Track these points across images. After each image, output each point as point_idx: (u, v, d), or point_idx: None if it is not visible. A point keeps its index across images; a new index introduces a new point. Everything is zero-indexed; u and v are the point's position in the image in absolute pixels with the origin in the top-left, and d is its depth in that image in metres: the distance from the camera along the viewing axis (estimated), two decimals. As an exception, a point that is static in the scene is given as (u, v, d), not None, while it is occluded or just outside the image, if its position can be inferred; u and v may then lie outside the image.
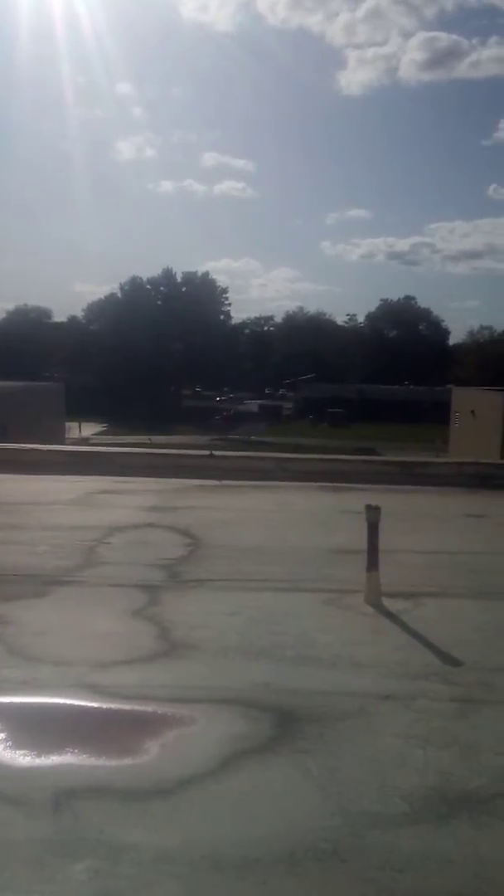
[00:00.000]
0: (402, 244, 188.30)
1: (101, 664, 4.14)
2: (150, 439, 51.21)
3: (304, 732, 3.39)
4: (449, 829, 2.74)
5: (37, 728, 3.45)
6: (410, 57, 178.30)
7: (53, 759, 3.16)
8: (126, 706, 3.66)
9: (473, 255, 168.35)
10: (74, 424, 55.21)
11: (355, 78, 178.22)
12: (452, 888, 2.43)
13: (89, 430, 61.17)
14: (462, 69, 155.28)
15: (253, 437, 62.55)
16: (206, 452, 12.11)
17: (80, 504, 8.86)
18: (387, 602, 5.28)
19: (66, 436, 48.57)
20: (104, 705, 3.65)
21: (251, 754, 3.19)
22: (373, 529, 5.37)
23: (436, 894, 2.41)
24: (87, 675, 3.97)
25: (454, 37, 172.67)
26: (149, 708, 3.63)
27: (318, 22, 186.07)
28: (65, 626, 4.81)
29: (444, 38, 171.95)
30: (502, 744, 3.36)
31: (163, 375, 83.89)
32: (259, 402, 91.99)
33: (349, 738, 3.37)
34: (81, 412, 58.59)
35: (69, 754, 3.19)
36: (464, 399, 43.48)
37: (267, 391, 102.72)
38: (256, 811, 2.82)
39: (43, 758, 3.16)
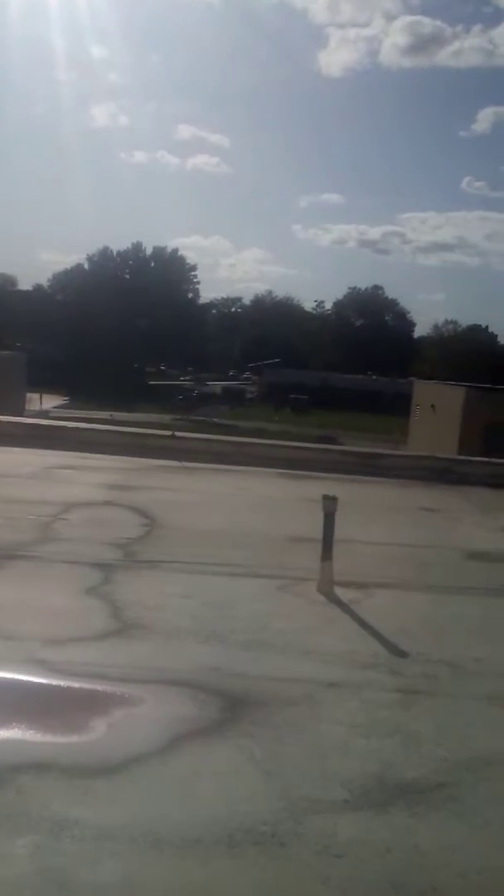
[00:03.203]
0: (374, 232, 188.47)
1: (53, 640, 4.13)
2: (111, 415, 50.76)
3: (251, 717, 3.44)
4: (387, 818, 2.81)
5: (-17, 703, 3.43)
6: (392, 40, 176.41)
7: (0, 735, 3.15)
8: (75, 684, 3.66)
9: (444, 247, 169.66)
10: (35, 396, 54.35)
11: (336, 58, 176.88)
12: (389, 875, 2.50)
13: (51, 402, 60.35)
14: (444, 57, 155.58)
15: (215, 419, 62.48)
16: (169, 433, 12.07)
17: (38, 478, 8.77)
18: (339, 591, 5.36)
19: (27, 407, 47.83)
20: (53, 682, 3.65)
21: (197, 736, 3.23)
22: (329, 519, 5.43)
23: (372, 881, 2.48)
24: (38, 651, 3.96)
25: (438, 23, 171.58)
26: (98, 686, 3.64)
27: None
28: (17, 601, 4.79)
29: (428, 24, 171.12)
30: (443, 735, 3.45)
31: (127, 351, 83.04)
32: (223, 383, 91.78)
33: (294, 724, 3.43)
34: (44, 383, 57.75)
35: (15, 730, 3.20)
36: (425, 392, 43.96)
37: (231, 373, 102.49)
38: (199, 793, 2.86)
39: (-12, 733, 3.16)
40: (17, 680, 3.64)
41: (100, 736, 3.20)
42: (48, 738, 3.17)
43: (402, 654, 4.39)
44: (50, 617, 4.50)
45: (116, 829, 2.58)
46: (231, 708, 3.50)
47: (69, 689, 3.60)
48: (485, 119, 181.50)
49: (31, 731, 3.19)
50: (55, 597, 4.86)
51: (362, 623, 4.84)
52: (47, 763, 2.95)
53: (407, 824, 2.79)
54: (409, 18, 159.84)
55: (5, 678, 3.66)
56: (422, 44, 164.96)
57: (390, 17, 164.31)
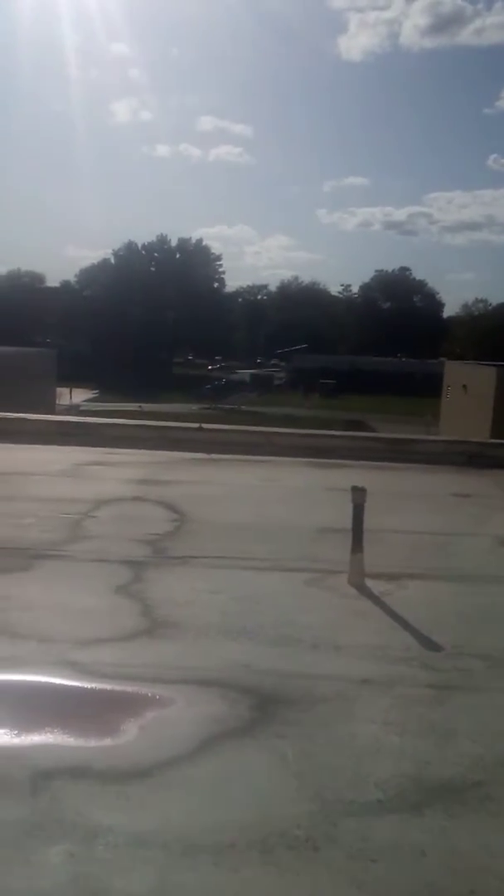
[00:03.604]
0: (400, 214, 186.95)
1: (84, 641, 4.15)
2: (140, 406, 51.08)
3: (282, 716, 3.42)
4: (422, 819, 2.77)
5: (17, 707, 3.46)
6: (413, 22, 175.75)
7: (33, 739, 3.18)
8: (106, 685, 3.67)
9: (471, 226, 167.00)
10: (65, 390, 54.89)
11: (356, 42, 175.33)
12: (424, 879, 2.47)
13: (80, 396, 60.89)
14: (465, 36, 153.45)
15: (244, 407, 62.50)
16: (196, 425, 12.06)
17: (68, 475, 8.83)
18: (370, 583, 5.31)
19: (57, 402, 48.33)
20: (85, 684, 3.66)
21: (229, 737, 3.22)
22: (358, 511, 5.37)
23: (408, 886, 2.44)
24: (70, 653, 3.98)
25: (458, 2, 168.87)
26: (129, 687, 3.65)
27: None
28: (48, 601, 4.81)
29: (448, 3, 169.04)
30: (478, 732, 3.39)
31: (155, 342, 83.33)
32: (251, 371, 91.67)
33: (327, 722, 3.40)
34: (73, 378, 58.26)
35: (48, 734, 3.21)
36: (456, 373, 43.42)
37: (259, 360, 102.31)
38: (232, 796, 2.85)
39: (22, 737, 3.18)
40: (50, 683, 3.65)
41: (132, 739, 3.20)
42: (81, 742, 3.18)
43: (435, 647, 4.33)
44: (80, 617, 4.52)
45: (149, 836, 2.58)
46: (262, 707, 3.48)
47: (100, 691, 3.61)
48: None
49: (65, 736, 3.20)
50: (85, 596, 4.88)
51: (394, 616, 4.78)
52: (80, 768, 2.96)
53: (443, 826, 2.75)
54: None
55: (38, 682, 3.68)
56: (442, 24, 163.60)
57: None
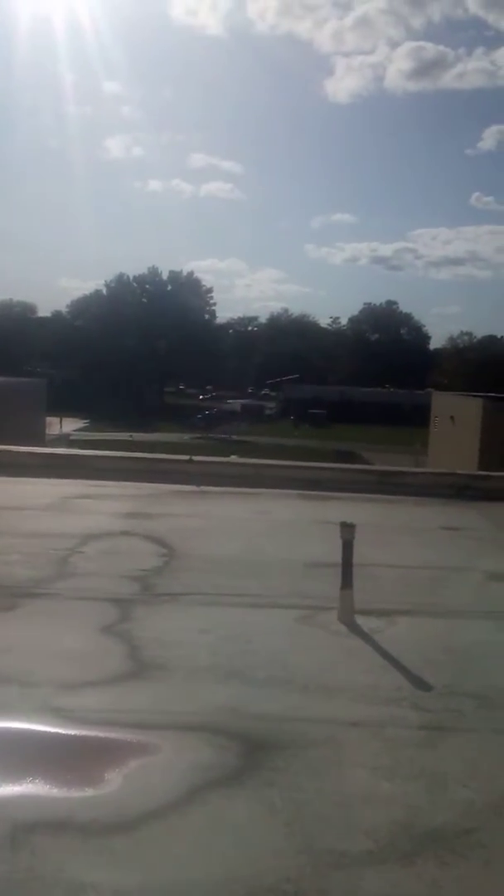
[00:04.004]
0: (386, 249, 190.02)
1: (69, 685, 4.07)
2: (131, 436, 51.02)
3: (271, 762, 3.35)
4: (414, 869, 2.71)
5: (-1, 754, 3.38)
6: (397, 66, 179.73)
7: (13, 790, 3.09)
8: (91, 732, 3.59)
9: (455, 261, 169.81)
10: (55, 420, 54.77)
11: (343, 85, 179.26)
12: (414, 935, 2.40)
13: (70, 425, 60.77)
14: (448, 79, 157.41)
15: (235, 437, 62.53)
16: (186, 457, 12.03)
17: (56, 509, 8.76)
18: (360, 620, 5.26)
19: (47, 431, 48.21)
20: (69, 731, 3.58)
21: (216, 786, 3.15)
22: (347, 547, 5.34)
23: (397, 943, 2.38)
24: (53, 698, 3.90)
25: (441, 47, 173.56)
26: (114, 734, 3.57)
27: (307, 29, 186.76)
28: (32, 642, 4.73)
29: (431, 49, 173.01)
30: (470, 776, 3.34)
31: (146, 372, 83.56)
32: (242, 401, 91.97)
33: (316, 768, 3.33)
34: (63, 407, 58.20)
35: (29, 784, 3.13)
36: (443, 404, 43.69)
37: (250, 391, 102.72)
38: (219, 848, 2.78)
39: (2, 788, 3.09)
40: (33, 730, 3.57)
41: (116, 788, 3.12)
42: (63, 792, 3.10)
43: (425, 686, 4.27)
44: (65, 659, 4.44)
45: (134, 892, 2.51)
46: (251, 753, 3.41)
47: (85, 738, 3.53)
48: (490, 137, 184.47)
49: (47, 786, 3.11)
50: (71, 637, 4.80)
51: (384, 654, 4.73)
52: (63, 821, 2.88)
53: (434, 876, 2.69)
54: (412, 44, 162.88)
55: (20, 729, 3.60)
56: (425, 68, 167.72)
57: (394, 44, 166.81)
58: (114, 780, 3.17)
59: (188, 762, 3.32)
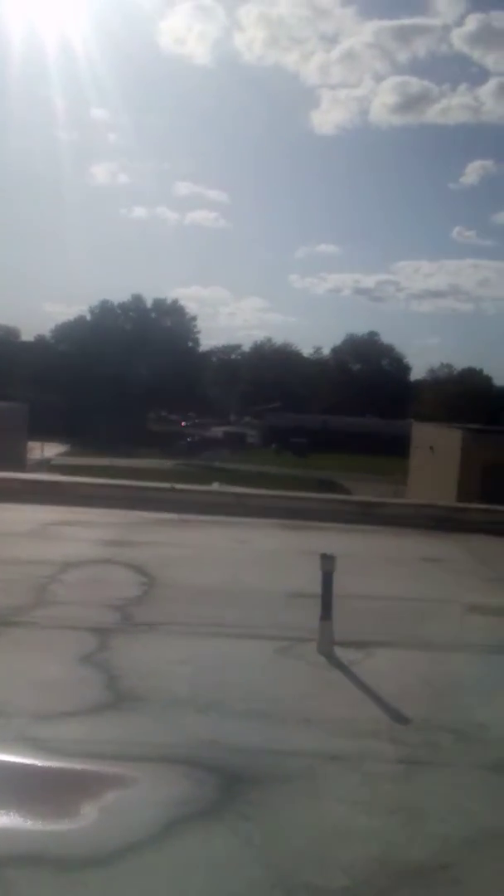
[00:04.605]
0: (369, 280, 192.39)
1: (45, 716, 4.03)
2: (111, 462, 50.81)
3: (249, 796, 3.33)
4: (389, 906, 2.70)
5: (-27, 786, 3.34)
6: (382, 100, 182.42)
7: (-12, 823, 3.05)
8: (67, 764, 3.55)
9: (437, 294, 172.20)
10: (37, 445, 54.45)
11: (328, 118, 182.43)
12: None
13: (52, 450, 60.43)
14: (432, 114, 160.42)
15: (217, 464, 62.52)
16: (168, 485, 12.05)
17: (36, 536, 8.71)
18: (339, 652, 5.26)
19: (28, 456, 47.91)
20: (44, 762, 3.55)
21: (193, 820, 3.12)
22: (327, 578, 5.36)
23: None
24: (29, 728, 3.86)
25: (425, 82, 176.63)
26: (90, 766, 3.54)
27: (293, 61, 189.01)
28: (9, 672, 4.70)
29: (416, 84, 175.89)
30: (446, 810, 3.34)
31: (129, 399, 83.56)
32: (224, 428, 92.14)
33: (294, 802, 3.32)
34: (45, 432, 57.89)
35: (4, 817, 3.09)
36: (423, 434, 43.99)
37: (232, 418, 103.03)
38: (195, 884, 2.76)
39: (-23, 821, 3.06)
40: (7, 761, 3.53)
41: (92, 822, 3.09)
42: (38, 826, 3.06)
43: (403, 720, 4.28)
44: (42, 689, 4.40)
45: (107, 928, 2.48)
46: (229, 786, 3.40)
47: (61, 770, 3.50)
48: (473, 172, 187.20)
49: (20, 819, 3.08)
50: (48, 666, 4.77)
51: (363, 687, 4.73)
52: (37, 855, 2.84)
53: (411, 913, 2.68)
54: (397, 79, 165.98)
55: (-4, 759, 3.56)
56: (410, 102, 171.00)
57: (379, 78, 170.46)
58: (89, 814, 3.14)
59: (165, 795, 3.30)
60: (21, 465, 39.18)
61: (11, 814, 3.11)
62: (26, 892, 2.63)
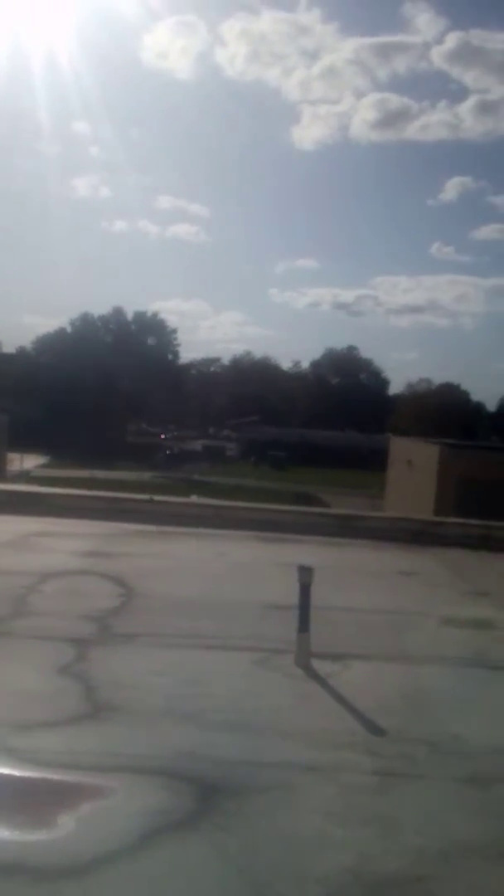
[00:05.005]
0: (348, 295, 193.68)
1: (23, 726, 4.02)
2: (91, 473, 50.56)
3: (225, 807, 3.35)
4: (364, 915, 2.73)
5: None
6: (362, 116, 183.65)
7: (-36, 833, 3.05)
8: (44, 774, 3.55)
9: (415, 309, 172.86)
10: (16, 456, 54.02)
11: (309, 133, 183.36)
12: None
13: (31, 462, 59.98)
14: (411, 131, 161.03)
15: (196, 476, 62.42)
16: (146, 497, 12.04)
17: (15, 547, 8.67)
18: (316, 664, 5.30)
19: (7, 468, 47.54)
20: (22, 773, 3.54)
21: (170, 830, 3.14)
22: (304, 590, 5.40)
23: None
24: (7, 738, 3.85)
25: (405, 99, 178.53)
26: (67, 777, 3.54)
27: (275, 76, 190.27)
28: (-13, 682, 4.68)
29: (396, 101, 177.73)
30: (421, 822, 3.38)
31: (109, 411, 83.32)
32: (203, 441, 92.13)
33: (271, 813, 3.34)
34: (25, 444, 57.44)
35: (-19, 827, 3.09)
36: (401, 448, 44.26)
37: (211, 431, 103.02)
38: (171, 893, 2.77)
39: (-47, 832, 3.05)
40: (-15, 772, 3.52)
41: (69, 832, 3.09)
42: (15, 835, 3.06)
43: (379, 731, 4.32)
44: (20, 699, 4.39)
45: (84, 938, 2.48)
46: (205, 798, 3.41)
47: (38, 780, 3.50)
48: (452, 188, 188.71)
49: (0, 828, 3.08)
50: (26, 677, 4.76)
51: (339, 699, 4.77)
52: (13, 864, 2.84)
53: (385, 923, 2.71)
54: (377, 95, 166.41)
55: (-28, 770, 3.54)
56: (390, 119, 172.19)
57: (360, 95, 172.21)
58: (67, 824, 3.14)
59: (143, 806, 3.31)
60: (1, 476, 38.88)
61: (-12, 824, 3.10)
62: (3, 902, 2.63)
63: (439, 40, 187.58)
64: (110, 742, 3.94)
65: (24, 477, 48.01)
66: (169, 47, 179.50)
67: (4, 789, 3.43)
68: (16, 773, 3.53)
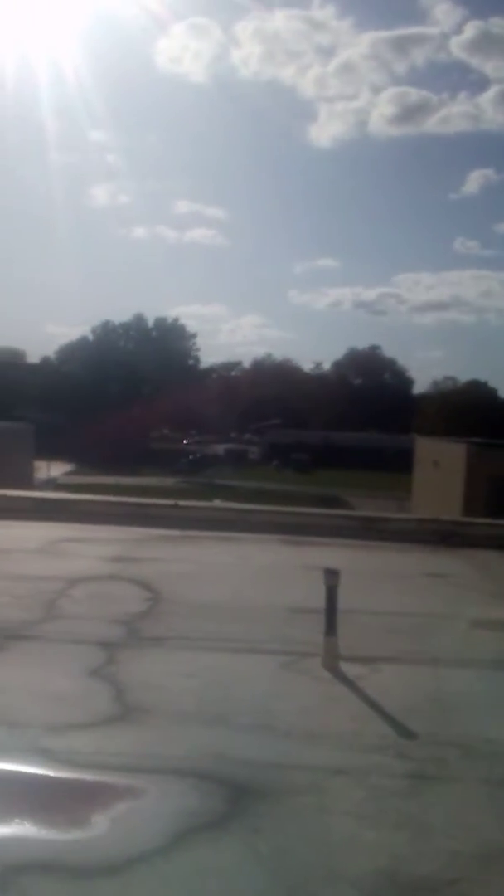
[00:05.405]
0: (369, 294, 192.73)
1: (56, 727, 4.08)
2: (116, 480, 50.94)
3: (256, 809, 3.37)
4: (397, 918, 2.73)
5: (-15, 797, 3.38)
6: (380, 111, 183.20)
7: (2, 832, 3.10)
8: (78, 775, 3.60)
9: (439, 306, 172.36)
10: (43, 464, 54.58)
11: (326, 130, 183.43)
12: None
13: (57, 469, 60.57)
14: (431, 124, 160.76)
15: (218, 481, 62.55)
16: (171, 502, 12.10)
17: (44, 553, 8.77)
18: (344, 667, 5.29)
19: (35, 476, 48.03)
20: (56, 773, 3.59)
21: (202, 831, 3.16)
22: (331, 593, 5.40)
23: None
24: (41, 740, 3.91)
25: (424, 92, 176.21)
26: (100, 777, 3.58)
27: (290, 75, 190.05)
28: (20, 684, 4.74)
29: (414, 94, 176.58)
30: (454, 825, 3.37)
31: (131, 417, 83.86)
32: (225, 445, 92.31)
33: (301, 816, 3.35)
34: (51, 452, 58.01)
35: (18, 826, 3.14)
36: (427, 449, 43.95)
37: (233, 435, 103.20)
38: (204, 893, 2.80)
39: (-9, 830, 3.10)
40: (20, 772, 3.58)
41: (103, 832, 3.14)
42: (51, 834, 3.11)
43: (410, 735, 4.31)
44: (52, 701, 4.45)
45: (120, 937, 2.52)
46: (236, 799, 3.43)
47: (72, 780, 3.55)
48: (474, 181, 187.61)
49: (34, 828, 3.13)
50: (58, 679, 4.82)
51: (369, 701, 4.76)
52: (49, 863, 2.89)
53: (418, 925, 2.71)
54: (395, 90, 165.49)
55: (8, 770, 3.60)
56: (409, 113, 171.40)
57: (377, 90, 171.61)
58: (101, 823, 3.18)
59: (174, 807, 3.34)
60: (29, 483, 39.25)
61: (25, 823, 3.16)
62: (40, 900, 2.67)
63: (458, 30, 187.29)
64: (141, 743, 3.98)
65: (52, 484, 48.51)
66: (182, 52, 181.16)
67: (39, 789, 3.48)
68: (51, 773, 3.58)
